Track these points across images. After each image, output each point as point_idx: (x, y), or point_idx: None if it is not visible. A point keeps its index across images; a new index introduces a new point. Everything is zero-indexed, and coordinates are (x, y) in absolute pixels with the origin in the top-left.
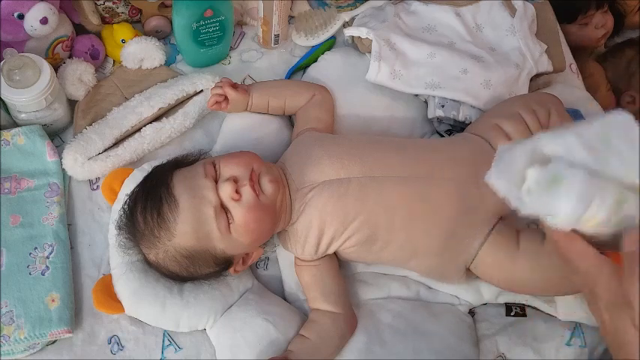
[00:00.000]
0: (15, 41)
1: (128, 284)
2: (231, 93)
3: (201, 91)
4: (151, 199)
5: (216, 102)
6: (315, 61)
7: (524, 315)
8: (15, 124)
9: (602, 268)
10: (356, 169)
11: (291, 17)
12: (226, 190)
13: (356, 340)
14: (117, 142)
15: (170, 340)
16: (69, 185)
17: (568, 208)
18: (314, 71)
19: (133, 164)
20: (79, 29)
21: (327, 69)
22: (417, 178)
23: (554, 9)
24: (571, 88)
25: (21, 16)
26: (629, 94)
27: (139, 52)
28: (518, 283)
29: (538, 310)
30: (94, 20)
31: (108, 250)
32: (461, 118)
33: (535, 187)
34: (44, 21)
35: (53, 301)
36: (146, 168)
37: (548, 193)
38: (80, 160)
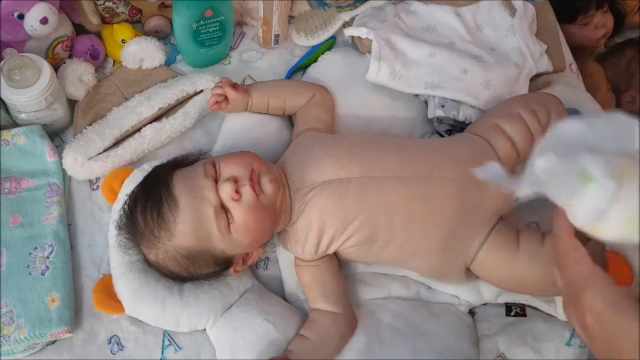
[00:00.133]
0: (15, 41)
1: (128, 284)
2: (231, 93)
3: (201, 91)
4: (151, 199)
5: (216, 102)
6: (315, 61)
7: (524, 315)
8: (15, 124)
9: (595, 276)
10: (356, 169)
11: (291, 17)
12: (226, 190)
13: (356, 340)
14: (117, 142)
15: (170, 340)
16: (69, 185)
17: (589, 210)
18: (314, 71)
19: (133, 164)
20: (79, 29)
21: (327, 69)
22: (417, 178)
23: (554, 9)
24: (571, 88)
25: (21, 16)
26: (629, 94)
27: (139, 52)
28: (518, 283)
29: (538, 310)
30: (94, 20)
31: (108, 250)
32: (461, 118)
33: (557, 171)
34: (44, 21)
35: (53, 301)
36: (146, 168)
37: (573, 182)
38: (80, 160)
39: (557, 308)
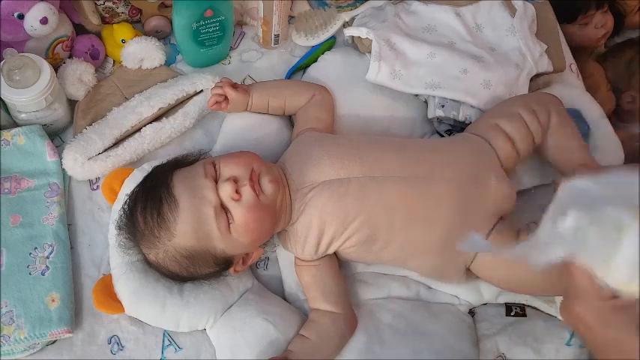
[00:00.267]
0: (15, 41)
1: (128, 284)
2: (231, 93)
3: (201, 91)
4: (151, 199)
5: (216, 102)
6: (315, 61)
7: (524, 315)
8: (15, 124)
9: (586, 289)
10: (356, 169)
11: (291, 17)
12: (226, 190)
13: (356, 340)
14: (117, 142)
15: (170, 340)
16: (69, 185)
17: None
18: (314, 71)
19: (133, 164)
20: (79, 29)
21: (327, 69)
22: (417, 178)
23: (554, 9)
24: (571, 88)
25: (21, 16)
26: (629, 94)
27: (139, 52)
28: (518, 283)
29: (538, 310)
30: (94, 20)
31: (108, 250)
32: (461, 118)
33: (586, 229)
34: (44, 21)
35: (53, 301)
36: (146, 168)
37: (607, 238)
38: (80, 160)
39: (557, 308)
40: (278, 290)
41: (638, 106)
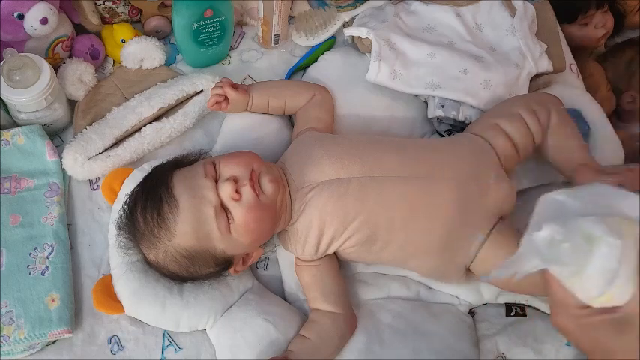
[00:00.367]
0: (15, 41)
1: (128, 284)
2: (231, 93)
3: (201, 91)
4: (151, 199)
5: (216, 102)
6: (315, 61)
7: (524, 315)
8: (15, 124)
9: (566, 299)
10: (356, 169)
11: (291, 17)
12: (226, 190)
13: (356, 340)
14: (117, 142)
15: (170, 340)
16: (69, 185)
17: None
18: (314, 71)
19: (133, 164)
20: (79, 29)
21: (327, 69)
22: (417, 178)
23: (554, 9)
24: (571, 88)
25: (21, 16)
26: (629, 94)
27: (139, 52)
28: (518, 283)
29: (538, 310)
30: (94, 20)
31: (108, 250)
32: (461, 118)
33: (561, 242)
34: (44, 21)
35: (53, 301)
36: (146, 168)
37: (579, 251)
38: (80, 160)
39: None
40: (278, 290)
41: (638, 106)
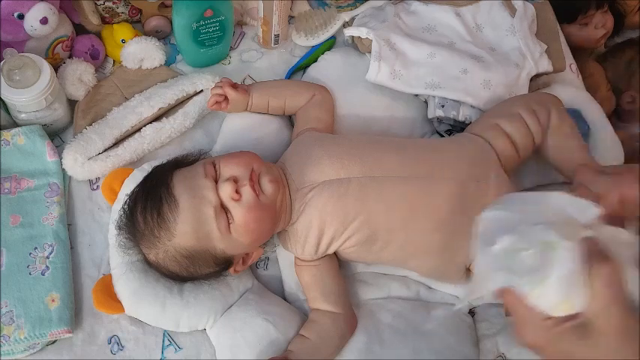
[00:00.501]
0: (15, 41)
1: (128, 284)
2: (231, 93)
3: (201, 91)
4: (151, 199)
5: (216, 102)
6: (315, 61)
7: None
8: (15, 124)
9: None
10: (356, 169)
11: (291, 17)
12: (226, 190)
13: (356, 340)
14: (117, 142)
15: (170, 340)
16: (69, 185)
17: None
18: (314, 71)
19: (133, 164)
20: (79, 29)
21: (327, 69)
22: (417, 178)
23: (554, 9)
24: (571, 88)
25: (21, 16)
26: (629, 94)
27: (139, 52)
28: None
29: None
30: (94, 20)
31: (108, 250)
32: (461, 118)
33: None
34: (44, 21)
35: (53, 301)
36: (146, 168)
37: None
38: (80, 160)
39: None
40: (278, 290)
41: (638, 106)
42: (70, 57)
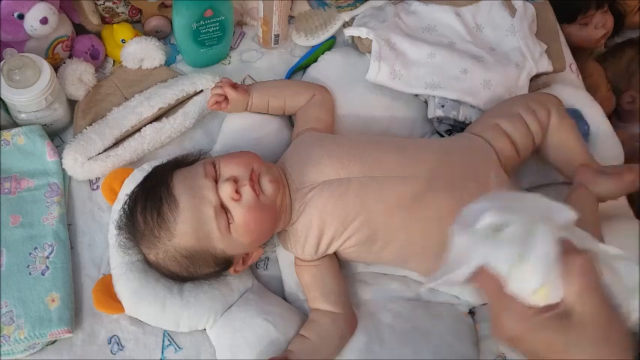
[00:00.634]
0: (15, 41)
1: (128, 284)
2: (231, 93)
3: (201, 91)
4: (151, 199)
5: (216, 102)
6: (315, 61)
7: None
8: (15, 124)
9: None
10: (356, 169)
11: (291, 17)
12: (226, 190)
13: (356, 340)
14: (117, 142)
15: (170, 340)
16: (69, 185)
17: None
18: (314, 71)
19: (133, 164)
20: (79, 29)
21: (327, 69)
22: (417, 178)
23: (554, 9)
24: (571, 88)
25: (21, 16)
26: (629, 94)
27: (139, 52)
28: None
29: None
30: (94, 20)
31: (108, 250)
32: (461, 118)
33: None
34: (44, 21)
35: (53, 301)
36: (146, 168)
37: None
38: (80, 160)
39: None
40: (278, 290)
41: (638, 106)
42: (70, 57)
